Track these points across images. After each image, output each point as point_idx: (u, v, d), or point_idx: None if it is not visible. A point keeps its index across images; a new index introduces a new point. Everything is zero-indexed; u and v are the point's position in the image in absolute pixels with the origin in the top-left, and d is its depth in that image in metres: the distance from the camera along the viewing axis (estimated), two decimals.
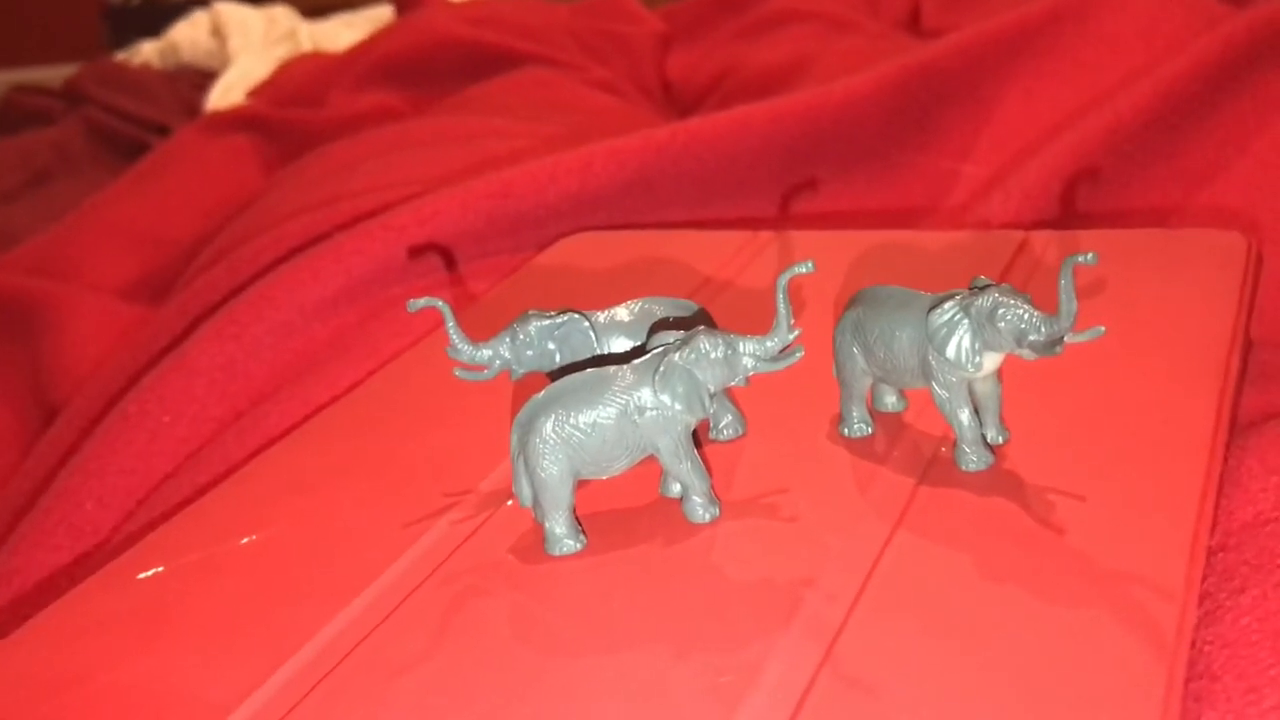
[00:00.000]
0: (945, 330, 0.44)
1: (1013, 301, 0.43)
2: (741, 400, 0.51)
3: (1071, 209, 0.77)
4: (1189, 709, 0.36)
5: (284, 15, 1.70)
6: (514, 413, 0.45)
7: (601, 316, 0.50)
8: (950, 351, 0.44)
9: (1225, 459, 0.47)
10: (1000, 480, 0.44)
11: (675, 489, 0.46)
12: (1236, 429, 0.50)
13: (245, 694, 0.39)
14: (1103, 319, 0.43)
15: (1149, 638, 0.36)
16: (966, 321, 0.44)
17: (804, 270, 0.43)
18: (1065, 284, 0.41)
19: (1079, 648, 0.36)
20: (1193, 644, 0.38)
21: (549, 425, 0.43)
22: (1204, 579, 0.41)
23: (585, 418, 0.43)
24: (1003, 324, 0.43)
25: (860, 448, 0.48)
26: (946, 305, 0.44)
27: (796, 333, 0.44)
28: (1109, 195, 0.78)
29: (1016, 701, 0.34)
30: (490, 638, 0.40)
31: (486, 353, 0.49)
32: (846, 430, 0.49)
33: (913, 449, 0.47)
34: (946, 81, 0.90)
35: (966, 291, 0.45)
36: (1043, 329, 0.42)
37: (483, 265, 0.80)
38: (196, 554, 0.48)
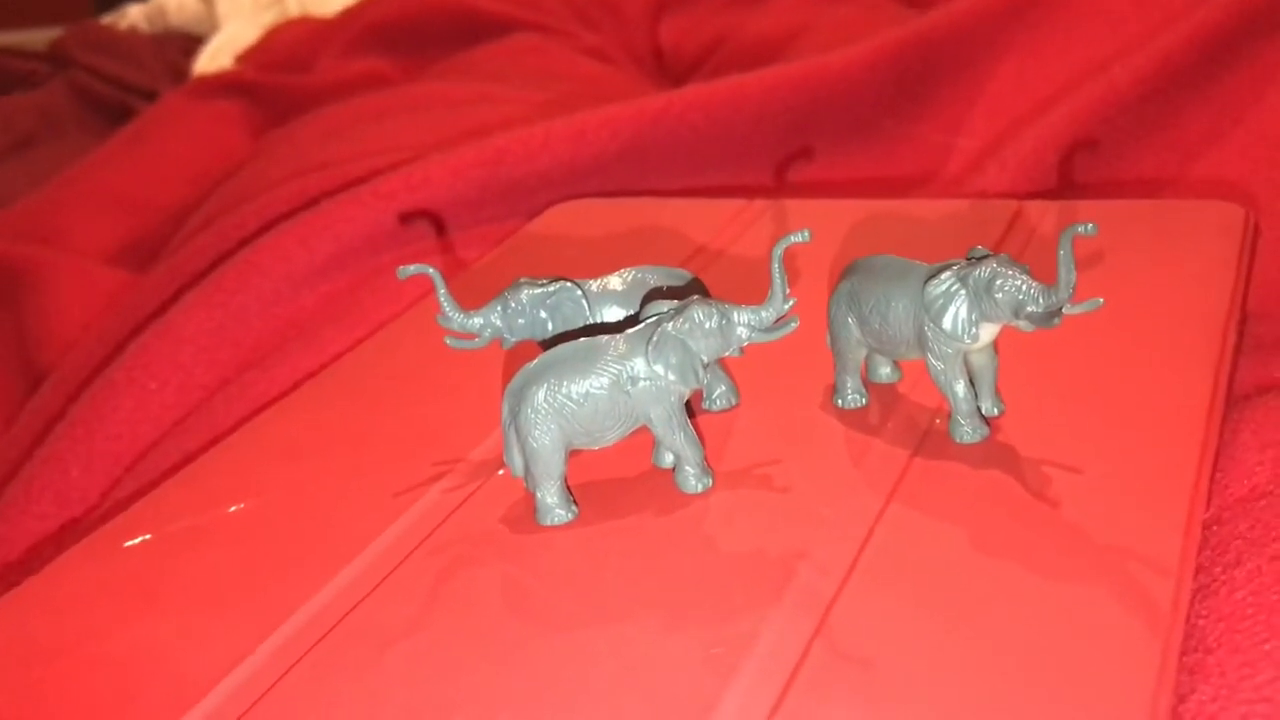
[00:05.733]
0: (942, 301, 0.44)
1: (1011, 272, 0.42)
2: (735, 370, 0.50)
3: (1067, 180, 0.77)
4: (1182, 682, 0.36)
5: None
6: (505, 381, 0.44)
7: (594, 285, 0.49)
8: (947, 323, 0.44)
9: (1221, 432, 0.47)
10: (995, 452, 0.44)
11: (668, 459, 0.45)
12: (1232, 402, 0.50)
13: (234, 663, 0.38)
14: (1099, 290, 0.43)
15: (1144, 611, 0.36)
16: (964, 292, 0.43)
17: (800, 239, 0.43)
18: (1064, 255, 0.41)
19: (1073, 620, 0.36)
20: (1187, 617, 0.38)
21: (541, 394, 0.42)
22: (1199, 552, 0.41)
23: (578, 387, 0.42)
24: (1000, 295, 0.42)
25: (854, 419, 0.48)
26: (943, 275, 0.44)
27: (791, 302, 0.43)
28: (1105, 166, 0.78)
29: (1010, 673, 0.34)
30: (481, 608, 0.40)
31: (477, 321, 0.48)
32: (840, 401, 0.49)
33: (907, 421, 0.47)
34: (941, 52, 0.89)
35: (964, 262, 0.44)
36: (1041, 300, 0.42)
37: (474, 233, 0.79)
38: (184, 522, 0.48)
